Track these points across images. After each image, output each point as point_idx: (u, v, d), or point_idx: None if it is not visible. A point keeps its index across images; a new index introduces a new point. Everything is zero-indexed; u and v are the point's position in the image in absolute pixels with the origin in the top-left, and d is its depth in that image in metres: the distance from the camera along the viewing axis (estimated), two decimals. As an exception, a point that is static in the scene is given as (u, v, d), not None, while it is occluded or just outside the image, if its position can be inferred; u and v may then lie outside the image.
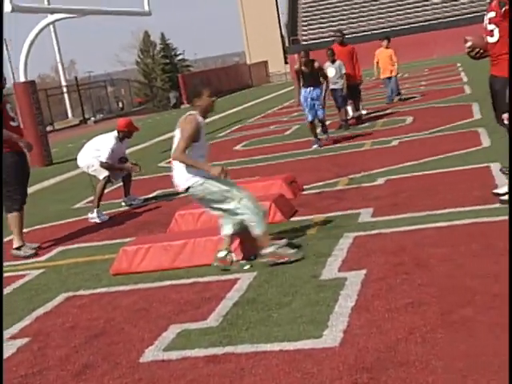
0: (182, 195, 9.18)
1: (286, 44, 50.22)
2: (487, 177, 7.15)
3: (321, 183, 8.42)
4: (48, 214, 9.35)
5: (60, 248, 7.43)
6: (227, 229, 5.61)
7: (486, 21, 5.85)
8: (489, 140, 9.24)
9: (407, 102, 16.37)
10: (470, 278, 4.40)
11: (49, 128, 28.21)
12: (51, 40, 46.01)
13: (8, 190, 7.11)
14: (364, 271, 4.91)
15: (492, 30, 5.79)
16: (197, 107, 5.61)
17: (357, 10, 48.89)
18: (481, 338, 3.54)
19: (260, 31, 56.67)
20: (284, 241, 5.63)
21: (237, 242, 5.69)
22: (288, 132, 14.69)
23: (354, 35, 41.10)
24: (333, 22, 48.17)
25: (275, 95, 29.98)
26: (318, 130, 11.72)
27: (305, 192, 8.07)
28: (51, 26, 39.71)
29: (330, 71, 12.91)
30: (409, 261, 4.98)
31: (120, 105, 43.17)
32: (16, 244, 7.29)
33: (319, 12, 50.40)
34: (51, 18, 19.05)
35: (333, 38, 14.79)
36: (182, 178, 5.54)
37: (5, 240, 7.62)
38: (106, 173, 8.72)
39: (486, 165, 7.71)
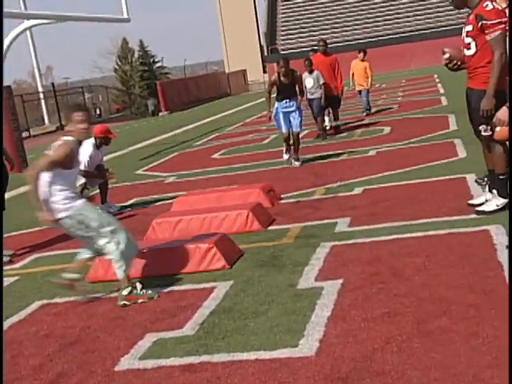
0: (160, 203, 9.20)
1: (265, 53, 50.32)
2: (463, 187, 7.22)
3: (298, 192, 8.45)
4: (23, 221, 9.26)
5: (35, 255, 7.36)
6: (86, 254, 5.45)
7: (464, 34, 5.91)
8: (465, 151, 9.34)
9: (384, 113, 16.49)
10: (446, 288, 4.43)
11: (25, 134, 28.01)
12: (28, 45, 45.47)
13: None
14: (340, 281, 4.92)
15: (469, 43, 5.84)
16: (69, 132, 5.12)
17: (341, 20, 49.18)
18: (456, 348, 3.56)
19: (238, 40, 56.72)
20: (139, 285, 5.28)
21: (217, 250, 5.66)
22: (266, 141, 14.71)
23: (337, 45, 41.25)
24: (314, 31, 48.41)
25: (254, 104, 29.98)
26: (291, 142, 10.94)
27: (282, 201, 8.08)
28: (28, 31, 39.40)
29: (308, 81, 13.02)
30: (385, 270, 5.00)
31: (97, 112, 43.01)
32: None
33: (299, 22, 50.65)
34: (28, 23, 18.97)
35: (316, 48, 14.71)
36: (57, 207, 5.11)
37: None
38: (82, 180, 8.65)
39: (461, 176, 7.78)
